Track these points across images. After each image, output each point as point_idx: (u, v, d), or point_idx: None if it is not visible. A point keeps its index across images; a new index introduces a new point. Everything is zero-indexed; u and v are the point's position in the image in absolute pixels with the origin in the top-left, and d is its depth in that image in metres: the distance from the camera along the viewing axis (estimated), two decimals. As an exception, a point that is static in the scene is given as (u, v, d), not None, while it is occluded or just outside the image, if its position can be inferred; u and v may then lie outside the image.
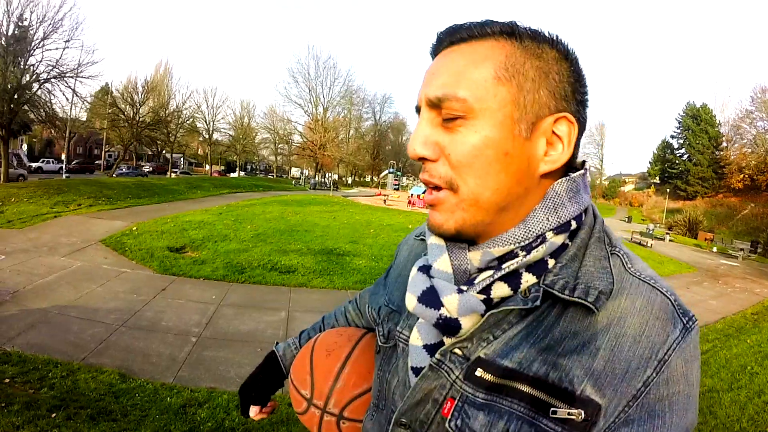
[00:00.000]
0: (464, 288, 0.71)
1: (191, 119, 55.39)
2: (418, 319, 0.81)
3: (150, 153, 61.42)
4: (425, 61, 0.77)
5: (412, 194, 36.93)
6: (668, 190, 62.66)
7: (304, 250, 13.00)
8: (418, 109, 0.74)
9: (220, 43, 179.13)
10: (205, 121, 58.63)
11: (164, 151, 55.30)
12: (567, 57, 0.70)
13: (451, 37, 0.71)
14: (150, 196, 21.44)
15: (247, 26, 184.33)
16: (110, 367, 5.62)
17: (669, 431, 0.62)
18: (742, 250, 28.35)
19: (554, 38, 0.69)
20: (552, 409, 0.63)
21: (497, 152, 0.66)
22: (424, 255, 0.84)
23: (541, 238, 0.68)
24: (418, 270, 0.79)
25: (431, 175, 0.70)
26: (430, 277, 0.76)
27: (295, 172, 71.59)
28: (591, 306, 0.65)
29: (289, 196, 28.34)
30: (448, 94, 0.67)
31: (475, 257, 0.72)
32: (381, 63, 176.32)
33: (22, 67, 25.45)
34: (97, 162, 54.16)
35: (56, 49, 26.19)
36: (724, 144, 62.99)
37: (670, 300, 0.67)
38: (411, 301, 0.75)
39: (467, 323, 0.70)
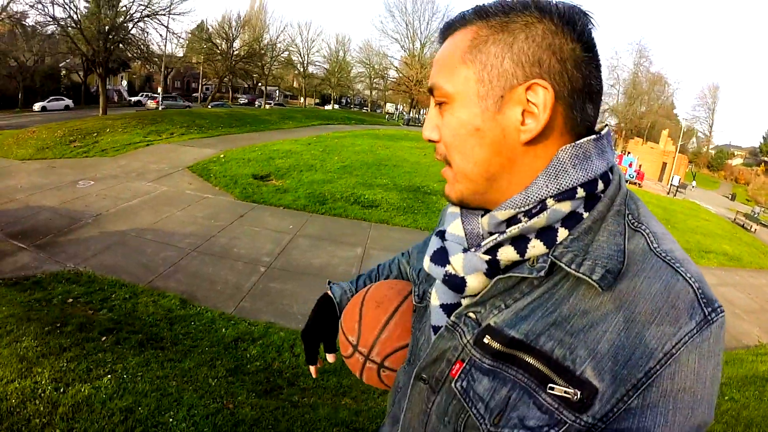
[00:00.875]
0: (472, 250, 0.73)
1: (286, 52, 55.54)
2: None
3: (246, 86, 62.57)
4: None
5: None
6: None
7: (390, 185, 12.44)
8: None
9: None
10: (300, 54, 58.62)
11: (260, 84, 56.12)
12: (543, 19, 0.66)
13: (446, 32, 0.75)
14: (241, 125, 21.59)
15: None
16: (174, 291, 5.41)
17: (672, 429, 0.58)
18: None
19: (525, 4, 0.67)
20: (550, 384, 0.62)
21: (469, 129, 0.69)
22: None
23: (542, 205, 0.67)
24: (435, 234, 0.82)
25: (437, 153, 0.75)
26: (444, 240, 0.79)
27: (389, 107, 70.08)
28: (595, 284, 0.62)
29: (381, 130, 27.63)
30: (433, 83, 0.72)
31: (484, 222, 0.73)
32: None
33: (116, 8, 26.27)
34: (194, 95, 55.74)
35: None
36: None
37: (692, 287, 0.60)
38: (426, 261, 0.79)
39: (473, 282, 0.71)
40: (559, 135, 0.68)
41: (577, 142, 0.67)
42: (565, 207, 0.66)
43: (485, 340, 0.69)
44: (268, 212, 8.97)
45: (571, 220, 0.67)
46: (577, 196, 0.66)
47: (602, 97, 0.72)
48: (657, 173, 42.08)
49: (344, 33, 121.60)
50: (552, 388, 0.62)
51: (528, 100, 0.65)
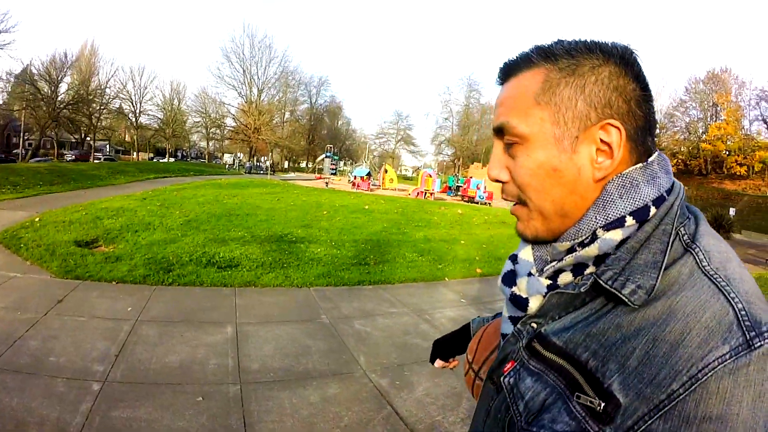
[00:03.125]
0: (535, 274, 0.81)
1: (116, 100, 51.67)
2: None
3: (73, 140, 56.82)
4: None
5: (355, 176, 36.79)
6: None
7: (248, 238, 10.69)
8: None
9: (148, 19, 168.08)
10: (132, 103, 55.69)
11: (88, 138, 51.30)
12: (608, 62, 0.72)
13: (508, 70, 0.79)
14: (65, 182, 18.49)
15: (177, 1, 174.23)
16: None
17: None
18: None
19: (590, 47, 0.73)
20: (578, 393, 0.65)
21: (547, 170, 0.73)
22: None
23: (593, 235, 0.72)
24: (509, 258, 0.91)
25: (507, 194, 0.82)
26: (515, 263, 0.88)
27: (227, 157, 68.43)
28: (625, 298, 0.64)
29: (224, 180, 25.52)
30: (503, 124, 0.77)
31: (549, 251, 0.79)
32: (318, 44, 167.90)
33: None
34: (15, 152, 48.91)
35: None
36: (657, 131, 69.58)
37: (734, 308, 0.59)
38: (499, 281, 0.90)
39: (534, 302, 0.79)
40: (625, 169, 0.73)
41: (624, 172, 0.72)
42: (617, 236, 0.70)
43: (534, 344, 0.76)
44: (97, 291, 6.76)
45: (621, 245, 0.70)
46: (627, 224, 0.70)
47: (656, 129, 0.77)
48: (499, 193, 46.98)
49: (179, 80, 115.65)
50: (579, 397, 0.64)
51: (600, 140, 0.71)
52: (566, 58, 0.72)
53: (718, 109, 65.11)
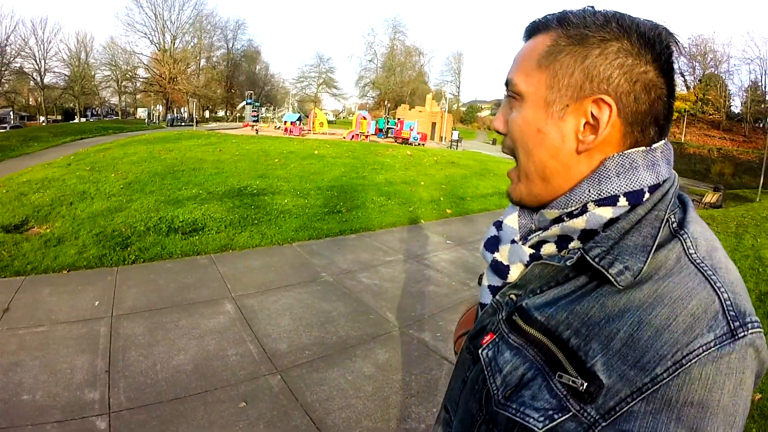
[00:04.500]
0: (518, 241, 0.80)
1: (18, 58, 46.60)
2: None
3: None
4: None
5: (285, 121, 35.70)
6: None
7: (204, 195, 9.38)
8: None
9: None
10: (36, 60, 50.48)
11: None
12: (622, 37, 0.69)
13: (531, 30, 0.79)
14: (-36, 156, 16.01)
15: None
16: None
17: None
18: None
19: (607, 19, 0.70)
20: (560, 372, 0.64)
21: (533, 130, 0.74)
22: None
23: (583, 208, 0.71)
24: (493, 224, 0.90)
25: (505, 146, 0.81)
26: (499, 229, 0.86)
27: (141, 112, 63.05)
28: (611, 278, 0.63)
29: (149, 135, 22.86)
30: (510, 78, 0.78)
31: (535, 220, 0.79)
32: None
33: None
34: None
35: None
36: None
37: (719, 296, 0.60)
38: (481, 246, 0.89)
39: (515, 271, 0.79)
40: (616, 150, 0.71)
41: (625, 152, 0.71)
42: (607, 213, 0.69)
43: (514, 318, 0.75)
44: (48, 287, 5.35)
45: (609, 223, 0.69)
46: (619, 204, 0.69)
47: (670, 123, 0.74)
48: (429, 133, 46.51)
49: (85, 30, 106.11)
50: (561, 376, 0.64)
51: (591, 113, 0.70)
52: (578, 27, 0.71)
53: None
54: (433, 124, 48.73)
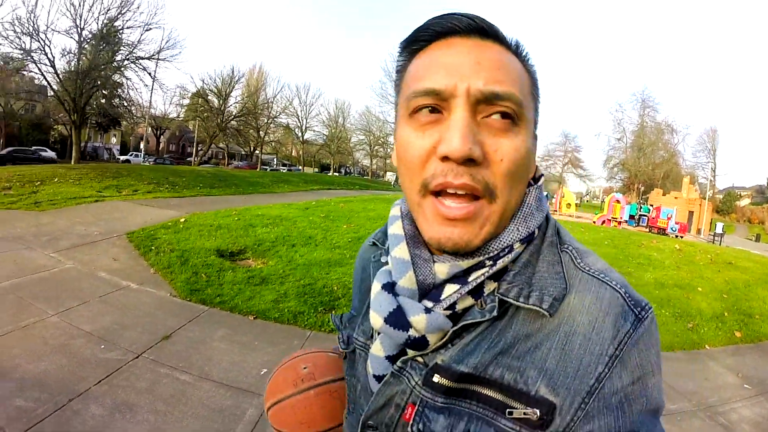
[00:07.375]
0: (430, 305, 0.67)
1: (283, 114, 55.34)
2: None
3: (243, 152, 61.03)
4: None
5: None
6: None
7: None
8: (436, 96, 0.62)
9: (314, 41, 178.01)
10: (298, 118, 58.49)
11: (256, 151, 55.05)
12: (519, 55, 0.67)
13: (488, 29, 0.65)
14: (225, 186, 17.42)
15: (341, 23, 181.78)
16: None
17: (631, 420, 0.59)
18: None
19: (516, 40, 0.68)
20: (508, 409, 0.62)
21: (531, 160, 0.67)
22: (385, 268, 0.76)
23: (509, 248, 0.66)
24: (381, 287, 0.72)
25: (476, 180, 0.61)
26: (395, 294, 0.70)
27: (389, 176, 69.50)
28: (545, 312, 0.62)
29: (391, 195, 23.30)
30: (508, 93, 0.61)
31: (441, 270, 0.67)
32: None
33: (100, 49, 26.34)
34: (188, 159, 53.61)
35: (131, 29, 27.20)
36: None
37: (619, 293, 0.64)
38: (377, 321, 0.70)
39: (434, 339, 0.68)
40: (530, 176, 0.70)
41: (538, 184, 0.71)
42: (521, 248, 0.67)
43: (435, 379, 0.67)
44: (224, 328, 4.51)
45: (517, 259, 0.67)
46: (534, 237, 0.68)
47: None
48: (694, 225, 41.53)
49: (343, 98, 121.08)
50: (511, 413, 0.61)
51: (535, 134, 0.69)
52: (506, 39, 0.66)
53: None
54: (690, 213, 41.76)
